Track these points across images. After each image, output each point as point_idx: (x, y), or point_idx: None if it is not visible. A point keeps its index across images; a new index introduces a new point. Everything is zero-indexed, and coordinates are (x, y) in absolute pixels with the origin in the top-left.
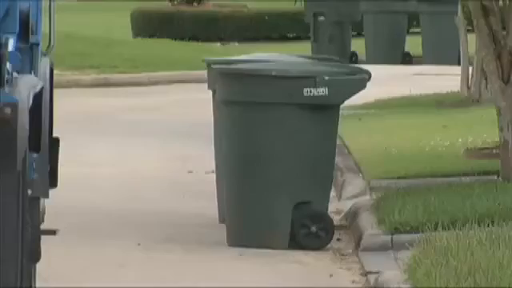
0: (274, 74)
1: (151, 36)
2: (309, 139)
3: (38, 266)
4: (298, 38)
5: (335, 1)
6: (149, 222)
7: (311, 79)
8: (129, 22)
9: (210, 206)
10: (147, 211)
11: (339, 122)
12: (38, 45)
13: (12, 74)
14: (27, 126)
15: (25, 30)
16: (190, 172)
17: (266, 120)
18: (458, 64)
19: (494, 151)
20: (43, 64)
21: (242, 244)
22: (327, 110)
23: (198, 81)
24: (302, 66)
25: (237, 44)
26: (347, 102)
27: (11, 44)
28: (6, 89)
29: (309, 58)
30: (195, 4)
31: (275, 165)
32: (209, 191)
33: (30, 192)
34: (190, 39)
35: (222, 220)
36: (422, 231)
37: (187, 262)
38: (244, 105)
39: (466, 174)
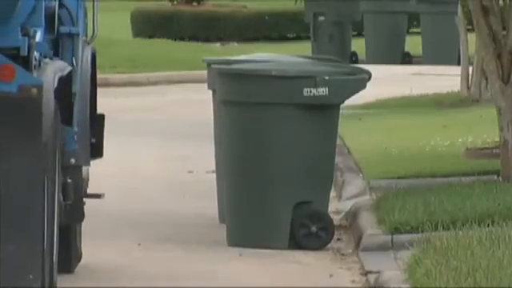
0: (273, 73)
1: (151, 36)
2: (309, 139)
3: None
4: (297, 38)
5: (335, 1)
6: (149, 222)
7: (311, 79)
8: (129, 22)
9: (210, 205)
10: (147, 211)
11: (339, 122)
12: (78, 35)
13: (40, 61)
14: (52, 104)
15: (51, 23)
16: (190, 172)
17: (266, 120)
18: (458, 64)
19: (494, 151)
20: (86, 51)
21: (242, 244)
22: (327, 109)
23: (198, 81)
24: (301, 66)
25: (236, 44)
26: (347, 102)
27: (38, 35)
28: (35, 73)
29: (309, 58)
30: (195, 4)
31: (275, 165)
32: (209, 191)
33: (73, 161)
34: (189, 39)
35: (222, 220)
36: (422, 231)
37: (187, 262)
38: (244, 105)
39: (466, 174)
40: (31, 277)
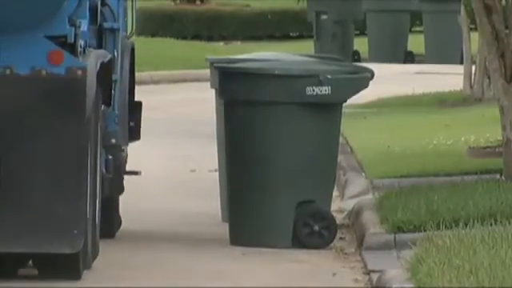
0: (276, 72)
1: (153, 35)
2: (311, 138)
3: None
4: (300, 37)
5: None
6: (151, 221)
7: (314, 78)
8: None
9: (212, 204)
10: (149, 210)
11: (342, 121)
12: (119, 30)
13: (85, 48)
14: (95, 84)
15: (95, 17)
16: (193, 171)
17: (269, 119)
18: (461, 63)
19: (497, 150)
20: (126, 45)
21: (245, 243)
22: (330, 108)
23: (201, 80)
24: (304, 65)
25: (239, 43)
26: (349, 101)
27: (83, 26)
28: (80, 58)
29: (311, 56)
30: (198, 3)
31: (278, 164)
32: (211, 190)
33: (114, 141)
34: (192, 38)
35: (224, 219)
36: (425, 230)
37: (189, 261)
38: (246, 104)
39: (468, 173)
40: (75, 232)
